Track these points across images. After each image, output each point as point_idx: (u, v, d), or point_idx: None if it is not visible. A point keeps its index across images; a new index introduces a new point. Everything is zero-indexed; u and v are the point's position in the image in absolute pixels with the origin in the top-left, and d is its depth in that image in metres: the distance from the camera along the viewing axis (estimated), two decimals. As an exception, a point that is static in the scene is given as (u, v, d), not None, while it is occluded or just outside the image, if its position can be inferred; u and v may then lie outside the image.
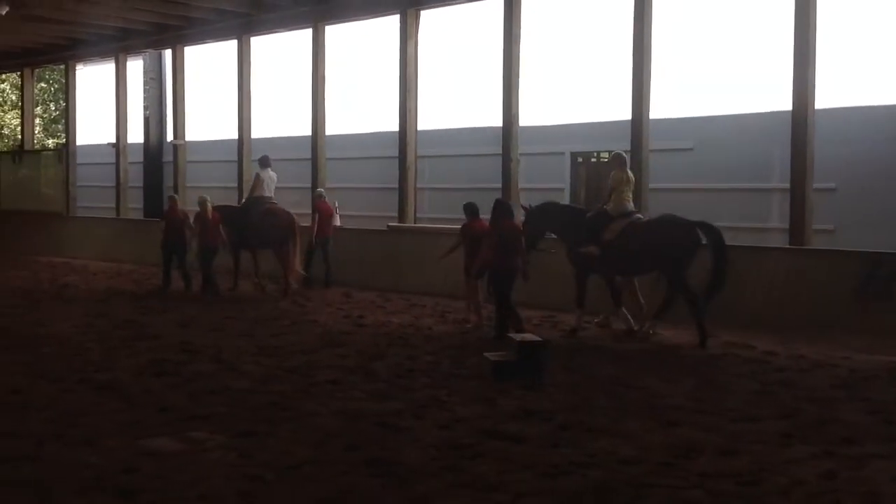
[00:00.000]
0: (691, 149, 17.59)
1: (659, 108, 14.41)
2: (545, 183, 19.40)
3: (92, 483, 5.18)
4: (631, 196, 11.19)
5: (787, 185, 12.85)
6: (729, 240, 10.83)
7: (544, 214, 11.39)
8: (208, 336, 10.40)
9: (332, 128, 18.52)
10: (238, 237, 14.84)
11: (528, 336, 8.79)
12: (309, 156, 18.29)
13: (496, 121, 15.39)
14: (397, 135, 16.67)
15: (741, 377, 8.43)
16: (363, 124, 22.39)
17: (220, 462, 5.64)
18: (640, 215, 11.26)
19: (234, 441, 6.09)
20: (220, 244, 14.62)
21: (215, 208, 14.86)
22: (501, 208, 10.82)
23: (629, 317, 11.01)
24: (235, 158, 19.67)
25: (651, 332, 10.74)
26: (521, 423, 6.63)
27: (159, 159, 25.38)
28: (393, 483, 5.29)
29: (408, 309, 12.84)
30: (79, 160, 24.10)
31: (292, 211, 15.15)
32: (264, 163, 15.61)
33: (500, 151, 15.23)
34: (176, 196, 16.46)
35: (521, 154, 15.41)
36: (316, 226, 15.34)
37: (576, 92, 19.33)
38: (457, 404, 7.21)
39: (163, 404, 7.07)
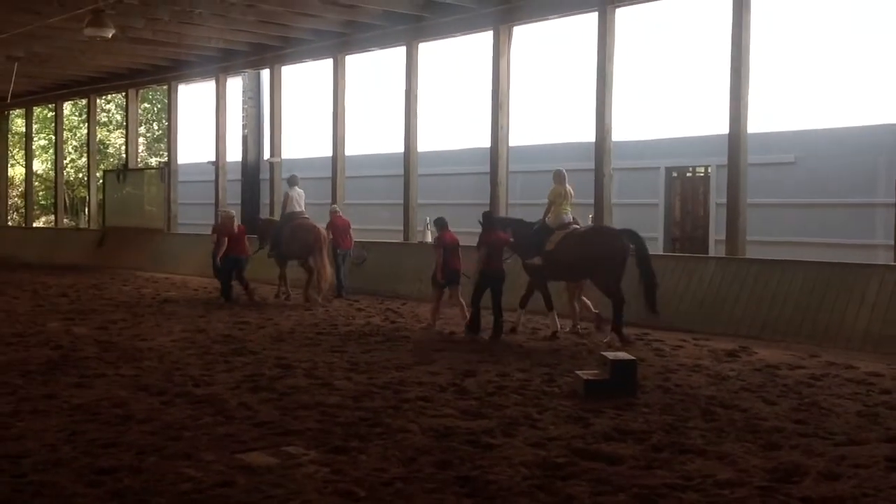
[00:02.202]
0: (793, 163, 17.15)
1: (758, 122, 14.11)
2: (639, 198, 19.18)
3: (190, 496, 5.28)
4: (569, 209, 12.05)
5: (893, 200, 12.43)
6: (831, 256, 10.57)
7: (501, 227, 12.23)
8: (302, 351, 10.55)
9: (424, 144, 18.66)
10: (276, 250, 16.05)
11: (622, 354, 8.67)
12: (400, 172, 18.45)
13: (589, 136, 15.28)
14: (489, 151, 16.69)
15: (844, 398, 8.14)
16: (455, 141, 22.50)
17: (313, 477, 5.69)
18: (577, 226, 12.05)
19: (327, 457, 6.14)
20: (246, 255, 15.87)
21: (262, 221, 16.95)
22: (489, 220, 12.03)
23: (556, 319, 11.80)
24: (329, 175, 19.97)
25: (605, 340, 11.31)
26: (614, 444, 6.52)
27: (256, 176, 25.99)
28: (484, 502, 5.26)
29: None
30: (180, 178, 24.84)
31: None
32: (292, 182, 16.96)
33: (593, 167, 15.10)
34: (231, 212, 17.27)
35: (614, 169, 15.26)
36: (331, 239, 16.40)
37: (671, 106, 19.05)
38: (549, 423, 7.13)
39: (258, 419, 7.18)
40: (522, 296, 12.19)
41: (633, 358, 8.49)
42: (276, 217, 17.96)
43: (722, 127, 13.78)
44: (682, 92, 18.80)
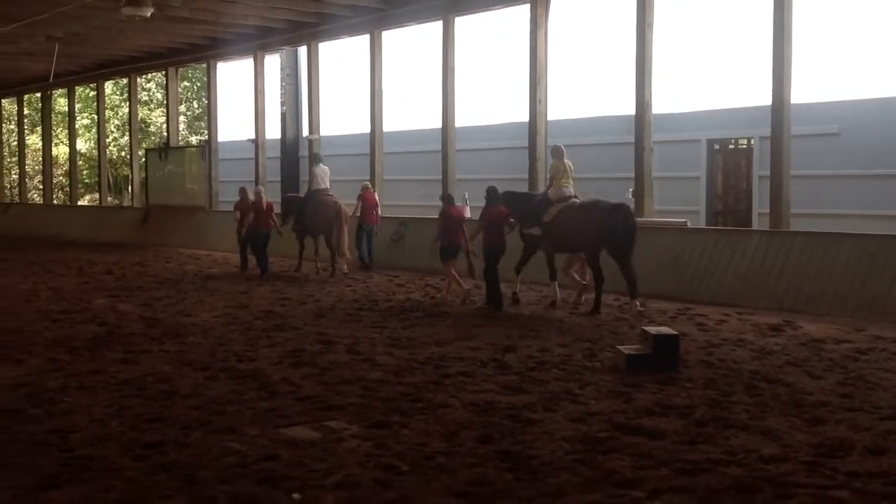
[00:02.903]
0: (837, 134, 16.86)
1: (801, 92, 13.87)
2: (680, 171, 18.98)
3: (235, 470, 5.35)
4: (570, 183, 12.40)
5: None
6: (876, 229, 10.40)
7: (506, 200, 12.61)
8: (343, 327, 10.62)
9: (462, 119, 18.60)
10: (300, 225, 16.66)
11: (663, 329, 8.61)
12: (438, 148, 18.42)
13: (629, 109, 15.12)
14: (527, 125, 16.59)
15: (890, 372, 8.02)
16: (493, 115, 22.40)
17: (355, 451, 5.73)
18: (575, 199, 12.35)
19: (369, 431, 6.19)
20: (270, 229, 16.56)
21: (287, 197, 17.58)
22: (491, 195, 12.49)
23: (557, 289, 12.28)
24: (367, 151, 19.99)
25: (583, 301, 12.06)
26: (657, 419, 6.49)
27: (295, 154, 26.08)
28: (525, 476, 5.26)
29: (538, 300, 12.77)
30: (220, 156, 25.01)
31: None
32: (317, 159, 17.56)
33: (633, 140, 14.96)
34: (247, 188, 17.87)
35: (654, 142, 15.11)
36: (360, 213, 17.19)
37: (713, 77, 18.77)
38: (590, 398, 7.12)
39: (300, 394, 7.24)
40: (517, 263, 12.68)
41: (675, 332, 8.43)
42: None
43: (765, 98, 13.57)
44: (724, 62, 18.51)
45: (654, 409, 6.73)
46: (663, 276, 13.42)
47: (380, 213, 17.76)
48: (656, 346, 8.03)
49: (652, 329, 8.45)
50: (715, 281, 12.77)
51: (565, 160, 12.50)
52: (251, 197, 17.06)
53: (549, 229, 12.20)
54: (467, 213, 16.60)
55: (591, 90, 20.63)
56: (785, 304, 11.91)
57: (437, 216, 13.36)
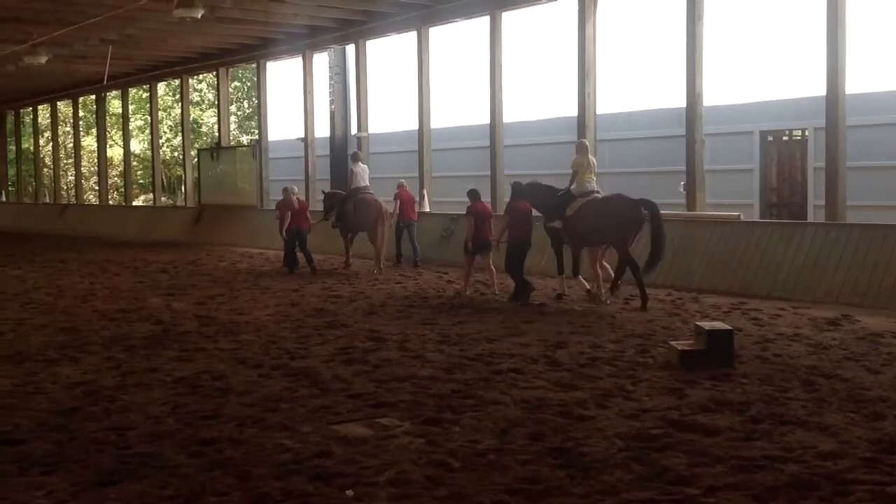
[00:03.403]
0: (894, 124, 16.51)
1: (857, 82, 13.60)
2: (732, 164, 18.75)
3: (288, 466, 5.39)
4: (593, 177, 12.65)
5: None
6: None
7: (529, 194, 12.81)
8: (394, 324, 10.65)
9: (510, 115, 18.54)
10: (341, 222, 17.13)
11: (717, 324, 8.50)
12: (486, 144, 18.39)
13: (680, 101, 14.95)
14: (576, 119, 16.49)
15: (954, 368, 7.83)
16: (541, 110, 22.31)
17: (407, 448, 5.74)
18: (598, 194, 12.56)
19: (421, 428, 6.20)
20: (308, 228, 16.99)
21: (326, 194, 18.00)
22: (516, 190, 12.71)
23: (585, 282, 12.55)
24: (416, 148, 20.03)
25: (607, 301, 12.06)
26: (711, 415, 6.40)
27: (345, 152, 26.20)
28: (578, 473, 5.23)
29: (588, 297, 12.68)
30: (270, 155, 25.24)
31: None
32: (355, 158, 18.06)
33: (684, 133, 14.79)
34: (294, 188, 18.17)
35: (706, 135, 14.92)
36: (398, 210, 17.48)
37: (766, 68, 18.48)
38: (643, 394, 7.05)
39: (352, 391, 7.28)
40: (574, 264, 12.75)
41: (729, 328, 8.32)
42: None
43: (819, 88, 13.34)
44: (777, 52, 18.22)
45: (709, 406, 6.65)
46: (716, 271, 13.26)
47: (416, 208, 18.12)
48: (710, 341, 7.93)
49: (706, 324, 8.34)
50: (770, 275, 12.58)
51: (589, 156, 12.74)
52: (294, 198, 17.32)
53: (571, 223, 12.41)
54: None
55: (640, 83, 20.43)
56: (842, 297, 11.70)
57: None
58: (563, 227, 12.50)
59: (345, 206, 17.06)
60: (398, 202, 17.63)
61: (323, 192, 19.63)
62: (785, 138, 19.21)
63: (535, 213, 12.86)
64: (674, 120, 17.26)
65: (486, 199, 18.20)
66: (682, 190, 15.41)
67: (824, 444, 5.70)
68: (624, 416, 6.40)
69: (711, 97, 15.18)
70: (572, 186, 12.67)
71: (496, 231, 13.02)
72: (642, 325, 10.36)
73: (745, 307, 11.46)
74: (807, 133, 18.22)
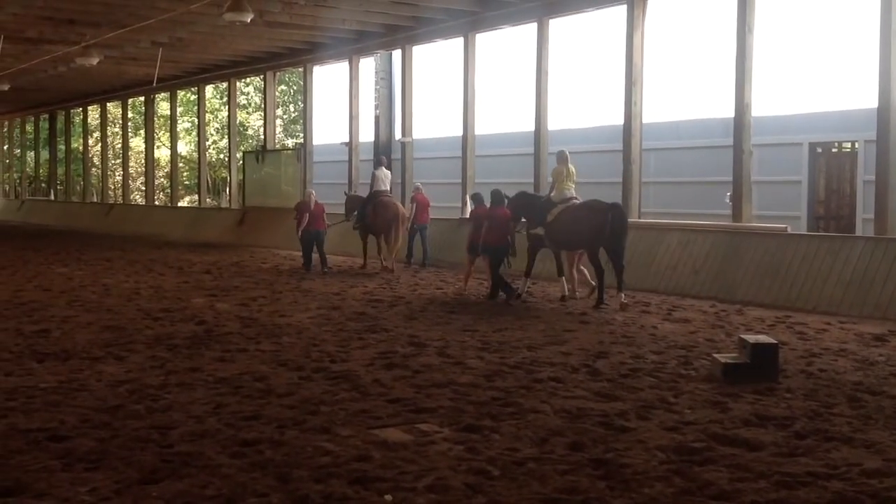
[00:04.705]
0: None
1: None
2: (781, 175, 18.51)
3: (328, 469, 5.40)
4: (572, 185, 13.48)
5: None
6: None
7: (517, 202, 13.77)
8: (434, 330, 10.65)
9: (555, 122, 18.48)
10: (361, 224, 17.97)
11: (762, 337, 8.39)
12: (531, 151, 18.35)
13: (728, 111, 14.80)
14: (622, 128, 16.40)
15: None
16: (586, 118, 22.21)
17: (447, 455, 5.73)
18: (576, 200, 13.34)
19: (460, 435, 6.18)
20: (325, 229, 17.98)
21: (348, 197, 19.01)
22: (494, 197, 13.55)
23: (565, 284, 13.43)
24: (459, 154, 20.03)
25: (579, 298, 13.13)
26: (754, 429, 6.32)
27: (388, 156, 26.30)
28: (618, 485, 5.18)
29: (632, 306, 12.60)
30: (315, 158, 25.40)
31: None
32: (379, 163, 19.13)
33: (731, 143, 14.64)
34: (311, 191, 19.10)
35: (754, 145, 14.76)
36: (413, 214, 18.32)
37: (816, 79, 18.24)
38: (685, 406, 6.98)
39: (392, 395, 7.29)
40: (558, 266, 13.72)
41: (774, 341, 8.21)
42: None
43: (870, 100, 13.13)
44: (828, 64, 17.97)
45: (752, 420, 6.56)
46: (762, 283, 13.11)
47: (430, 213, 19.01)
48: (754, 354, 7.83)
49: (750, 337, 8.23)
50: (816, 289, 12.40)
51: (568, 165, 13.55)
52: (311, 199, 18.10)
53: (551, 229, 13.20)
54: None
55: (687, 92, 20.26)
56: (889, 313, 11.49)
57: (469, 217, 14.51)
58: (546, 233, 13.30)
59: (365, 208, 17.81)
60: (414, 205, 18.41)
61: (345, 193, 20.04)
62: (834, 150, 18.94)
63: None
64: (721, 130, 17.12)
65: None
66: (728, 201, 15.26)
67: (869, 461, 5.59)
68: (665, 429, 6.34)
69: (760, 107, 15.01)
70: (552, 194, 13.55)
71: (475, 236, 13.72)
72: (685, 336, 10.26)
73: (790, 321, 11.30)
74: (856, 145, 17.94)
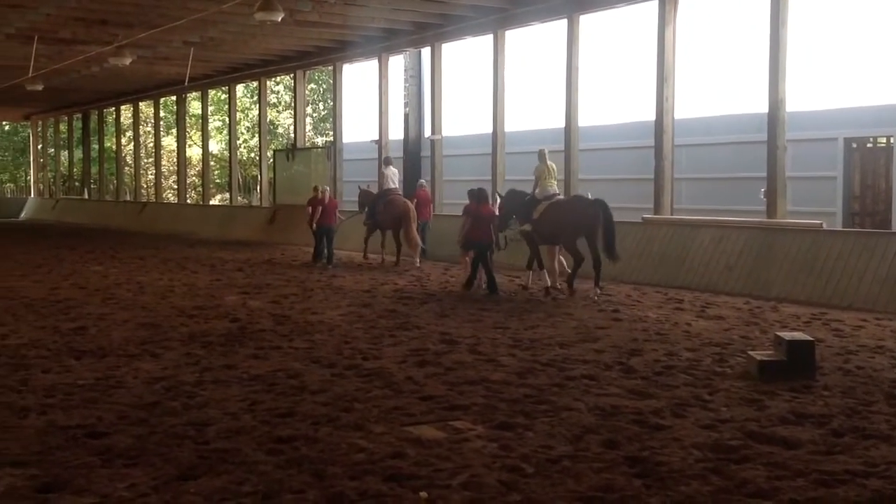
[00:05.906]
0: None
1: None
2: (815, 171, 18.29)
3: (363, 466, 5.42)
4: (553, 182, 14.17)
5: None
6: None
7: (508, 200, 14.52)
8: (466, 327, 10.65)
9: (585, 119, 18.39)
10: (371, 220, 18.78)
11: (798, 334, 8.31)
12: (561, 148, 18.27)
13: (761, 107, 14.66)
14: (653, 124, 16.29)
15: None
16: (617, 114, 22.07)
17: (480, 452, 5.73)
18: (559, 197, 14.17)
19: (493, 432, 6.18)
20: (336, 224, 18.67)
21: (361, 192, 19.59)
22: (476, 195, 13.98)
23: (547, 276, 13.86)
24: (489, 152, 20.00)
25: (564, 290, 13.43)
26: (791, 427, 6.26)
27: (418, 154, 26.29)
28: (654, 483, 5.16)
29: (665, 303, 12.53)
30: (345, 156, 25.46)
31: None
32: (387, 162, 19.78)
33: (765, 139, 14.50)
34: (320, 186, 19.74)
35: (788, 141, 14.61)
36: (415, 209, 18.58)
37: (851, 74, 18.01)
38: (721, 404, 6.93)
39: (425, 393, 7.29)
40: (536, 259, 14.12)
41: (810, 338, 8.13)
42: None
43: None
44: (863, 58, 17.74)
45: (789, 418, 6.50)
46: (797, 280, 12.99)
47: (432, 210, 19.79)
48: (790, 352, 7.76)
49: (786, 334, 8.16)
50: (852, 285, 12.27)
51: (549, 162, 14.14)
52: (323, 195, 18.64)
53: (538, 225, 13.75)
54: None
55: (719, 87, 20.08)
56: (928, 310, 11.33)
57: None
58: (533, 229, 13.85)
59: (375, 205, 18.62)
60: (415, 202, 18.73)
61: (359, 187, 20.19)
62: (869, 145, 18.69)
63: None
64: (754, 125, 16.94)
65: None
66: (762, 197, 15.12)
67: (910, 460, 5.52)
68: (701, 427, 6.30)
69: (794, 103, 14.85)
70: (536, 191, 14.07)
71: (459, 232, 14.27)
72: (719, 333, 10.19)
73: (825, 318, 11.19)
74: (892, 140, 17.70)
